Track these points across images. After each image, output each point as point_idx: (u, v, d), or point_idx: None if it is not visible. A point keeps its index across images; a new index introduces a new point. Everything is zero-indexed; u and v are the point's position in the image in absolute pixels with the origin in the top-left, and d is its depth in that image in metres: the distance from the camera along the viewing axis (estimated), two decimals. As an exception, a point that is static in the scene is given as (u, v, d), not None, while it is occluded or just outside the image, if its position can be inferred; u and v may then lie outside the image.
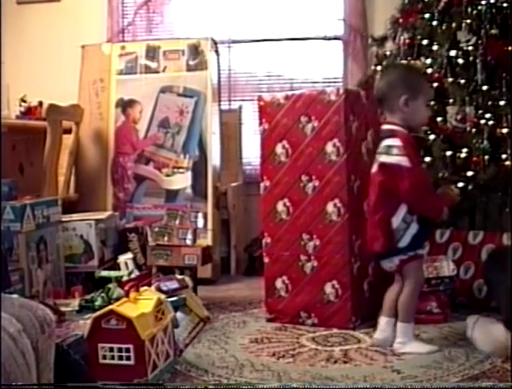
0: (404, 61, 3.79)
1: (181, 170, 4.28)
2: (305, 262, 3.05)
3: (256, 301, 3.44)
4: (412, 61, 3.73)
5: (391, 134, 2.62)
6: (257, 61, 4.83)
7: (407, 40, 3.83)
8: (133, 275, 3.07)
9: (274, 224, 3.12)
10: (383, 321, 2.72)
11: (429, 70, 3.50)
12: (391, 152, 2.58)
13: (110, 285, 2.82)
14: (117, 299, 2.53)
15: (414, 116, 2.64)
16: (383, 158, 2.61)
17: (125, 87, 4.41)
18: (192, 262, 3.36)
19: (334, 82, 4.69)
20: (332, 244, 2.98)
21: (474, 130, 3.37)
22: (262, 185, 3.17)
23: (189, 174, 4.26)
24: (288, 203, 3.08)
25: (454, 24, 3.59)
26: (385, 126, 2.68)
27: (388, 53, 4.03)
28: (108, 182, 4.39)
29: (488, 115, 3.40)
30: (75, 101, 4.42)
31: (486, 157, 3.28)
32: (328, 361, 2.55)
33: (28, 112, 4.39)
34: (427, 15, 3.76)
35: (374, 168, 2.67)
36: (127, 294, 2.40)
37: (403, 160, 2.54)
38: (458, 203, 2.83)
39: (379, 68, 4.01)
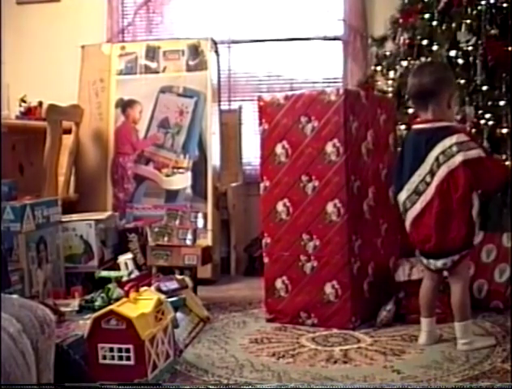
0: (405, 62, 3.79)
1: (180, 170, 4.27)
2: (304, 262, 3.05)
3: (256, 301, 3.44)
4: (412, 62, 3.74)
5: (452, 130, 2.57)
6: (257, 62, 4.83)
7: (407, 40, 3.84)
8: (133, 276, 3.07)
9: (274, 225, 3.12)
10: (426, 322, 2.71)
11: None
12: (467, 147, 2.54)
13: (110, 285, 2.82)
14: (117, 299, 2.53)
15: (453, 113, 2.70)
16: (462, 156, 2.51)
17: (125, 88, 4.41)
18: (192, 263, 3.35)
19: (334, 82, 4.69)
20: (332, 244, 2.98)
21: (474, 130, 3.38)
22: (262, 185, 3.16)
23: (189, 174, 4.26)
24: (287, 203, 3.08)
25: (453, 24, 3.60)
26: (436, 124, 2.59)
27: (388, 53, 4.03)
28: (108, 182, 4.39)
29: (488, 115, 3.41)
30: (75, 101, 4.42)
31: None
32: (328, 361, 2.55)
33: (28, 112, 4.39)
34: (427, 15, 3.76)
35: (453, 166, 2.52)
36: (127, 294, 2.40)
37: (481, 152, 2.52)
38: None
39: (379, 68, 4.02)
